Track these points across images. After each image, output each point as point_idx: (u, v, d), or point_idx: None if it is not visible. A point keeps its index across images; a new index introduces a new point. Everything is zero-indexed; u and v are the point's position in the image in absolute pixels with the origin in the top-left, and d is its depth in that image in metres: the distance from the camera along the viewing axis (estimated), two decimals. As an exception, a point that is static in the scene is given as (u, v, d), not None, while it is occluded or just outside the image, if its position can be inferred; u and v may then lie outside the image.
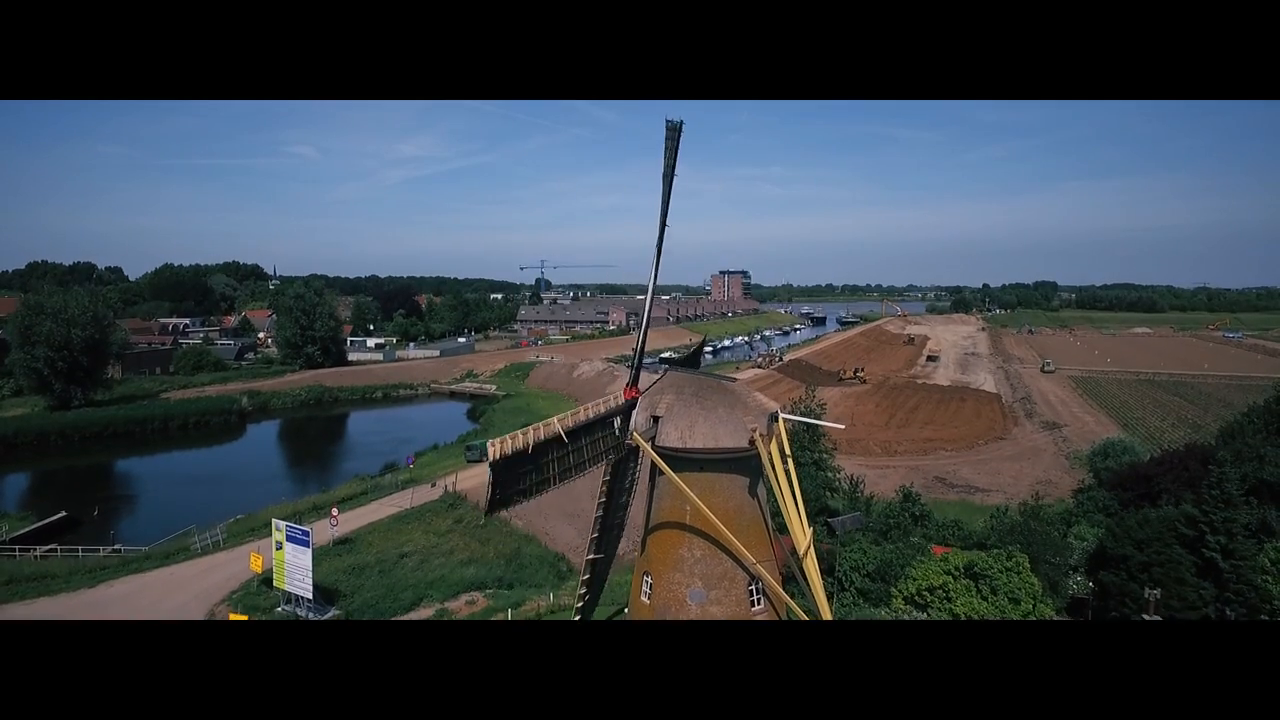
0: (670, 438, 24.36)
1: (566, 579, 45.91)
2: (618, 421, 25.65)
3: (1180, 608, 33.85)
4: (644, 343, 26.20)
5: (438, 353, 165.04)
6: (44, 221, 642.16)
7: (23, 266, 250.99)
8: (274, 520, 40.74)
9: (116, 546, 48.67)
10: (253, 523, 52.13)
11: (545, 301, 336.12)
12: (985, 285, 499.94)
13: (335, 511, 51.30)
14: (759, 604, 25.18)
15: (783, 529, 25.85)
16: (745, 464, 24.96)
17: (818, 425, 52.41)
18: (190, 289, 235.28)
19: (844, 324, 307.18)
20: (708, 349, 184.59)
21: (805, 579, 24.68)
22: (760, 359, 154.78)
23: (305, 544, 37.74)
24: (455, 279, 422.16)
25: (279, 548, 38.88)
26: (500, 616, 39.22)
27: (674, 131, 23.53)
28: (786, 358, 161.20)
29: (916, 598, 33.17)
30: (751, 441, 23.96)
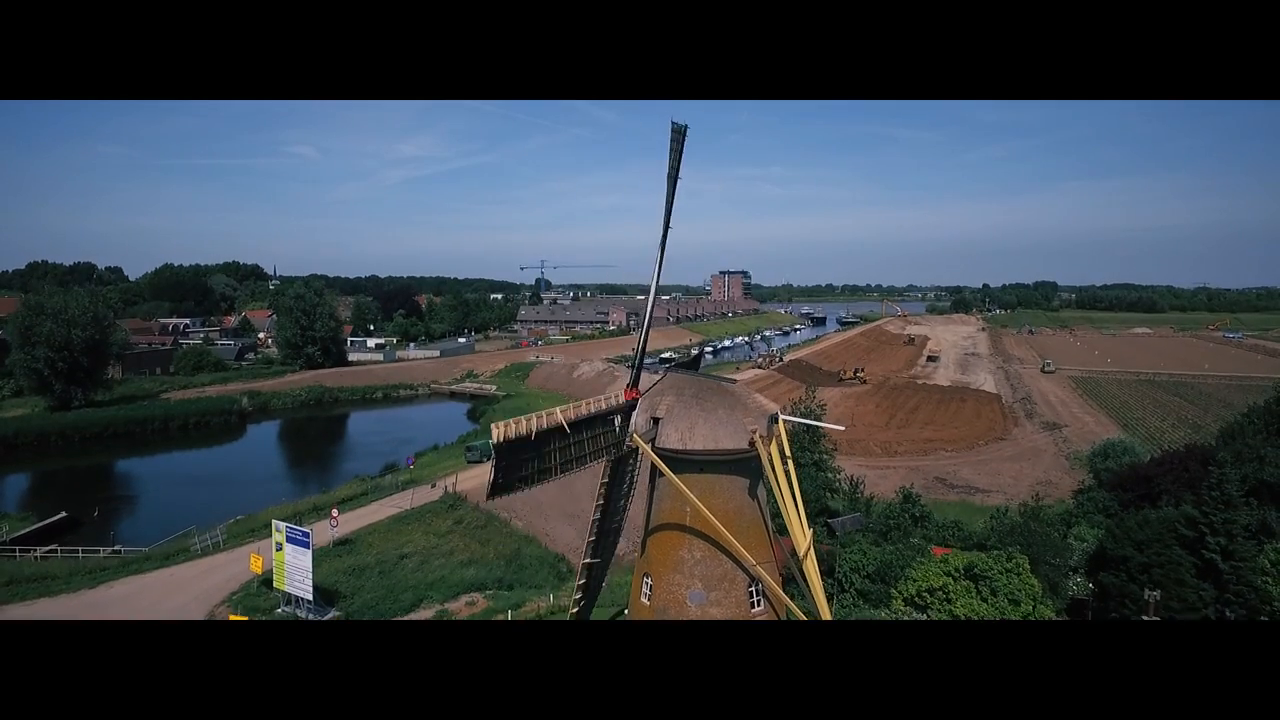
0: (670, 439, 24.36)
1: (566, 580, 45.87)
2: (618, 420, 25.62)
3: (1180, 609, 33.81)
4: (644, 345, 26.10)
5: (438, 353, 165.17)
6: (44, 221, 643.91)
7: (23, 266, 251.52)
8: (274, 521, 40.79)
9: (116, 547, 48.75)
10: (253, 524, 52.18)
11: (545, 302, 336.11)
12: (985, 285, 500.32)
13: (335, 512, 51.32)
14: (759, 605, 25.17)
15: (783, 530, 25.82)
16: (745, 465, 24.95)
17: (818, 426, 52.37)
18: (190, 289, 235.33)
19: (844, 324, 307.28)
20: (708, 349, 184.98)
21: (805, 580, 24.65)
22: (760, 359, 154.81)
23: (305, 545, 37.74)
24: (455, 279, 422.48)
25: (279, 549, 38.88)
26: (500, 617, 39.19)
27: (679, 135, 23.26)
28: (787, 358, 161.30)
29: (916, 599, 33.14)
30: (751, 443, 23.94)
